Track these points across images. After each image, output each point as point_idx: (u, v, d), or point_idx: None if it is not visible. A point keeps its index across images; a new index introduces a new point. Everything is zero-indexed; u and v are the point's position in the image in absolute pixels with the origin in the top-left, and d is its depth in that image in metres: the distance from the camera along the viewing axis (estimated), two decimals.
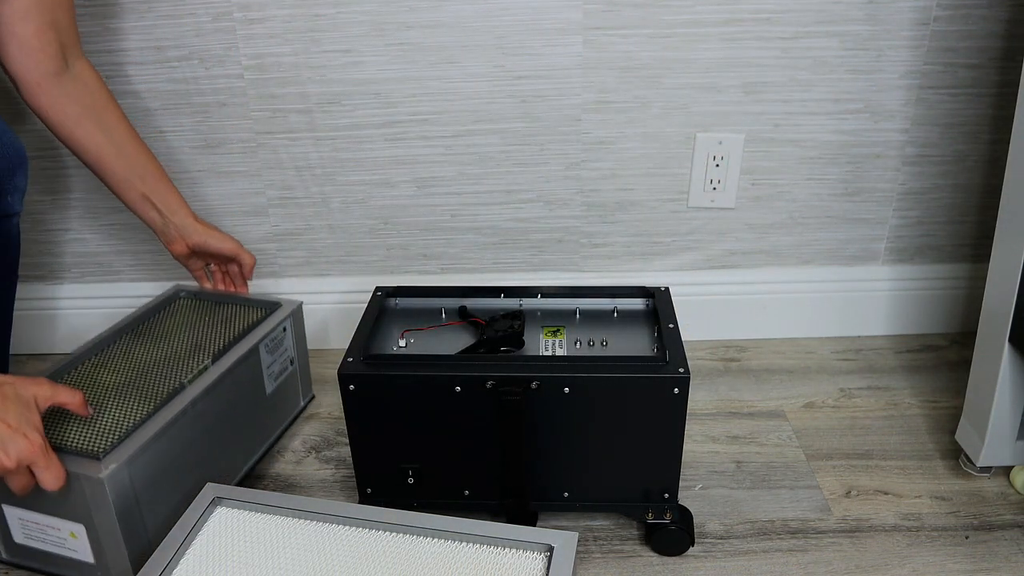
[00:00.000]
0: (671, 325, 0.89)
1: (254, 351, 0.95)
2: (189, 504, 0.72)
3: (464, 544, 0.67)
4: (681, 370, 0.81)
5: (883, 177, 1.21)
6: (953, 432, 1.03)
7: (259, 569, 0.66)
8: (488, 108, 1.15)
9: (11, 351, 1.33)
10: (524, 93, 1.14)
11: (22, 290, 1.29)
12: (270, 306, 1.03)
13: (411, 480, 0.88)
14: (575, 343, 0.90)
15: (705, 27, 1.10)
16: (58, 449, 0.75)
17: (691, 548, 0.90)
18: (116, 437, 0.77)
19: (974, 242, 1.26)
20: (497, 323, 0.90)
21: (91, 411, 0.80)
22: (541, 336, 0.92)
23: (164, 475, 0.82)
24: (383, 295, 0.98)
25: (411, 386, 0.83)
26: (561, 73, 1.13)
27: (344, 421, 0.87)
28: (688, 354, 0.85)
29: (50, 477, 0.71)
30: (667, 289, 0.96)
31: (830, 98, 1.15)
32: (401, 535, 0.68)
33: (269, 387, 0.99)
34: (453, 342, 0.91)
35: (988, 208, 1.23)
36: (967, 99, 1.15)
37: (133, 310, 1.03)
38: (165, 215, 1.00)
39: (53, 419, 0.79)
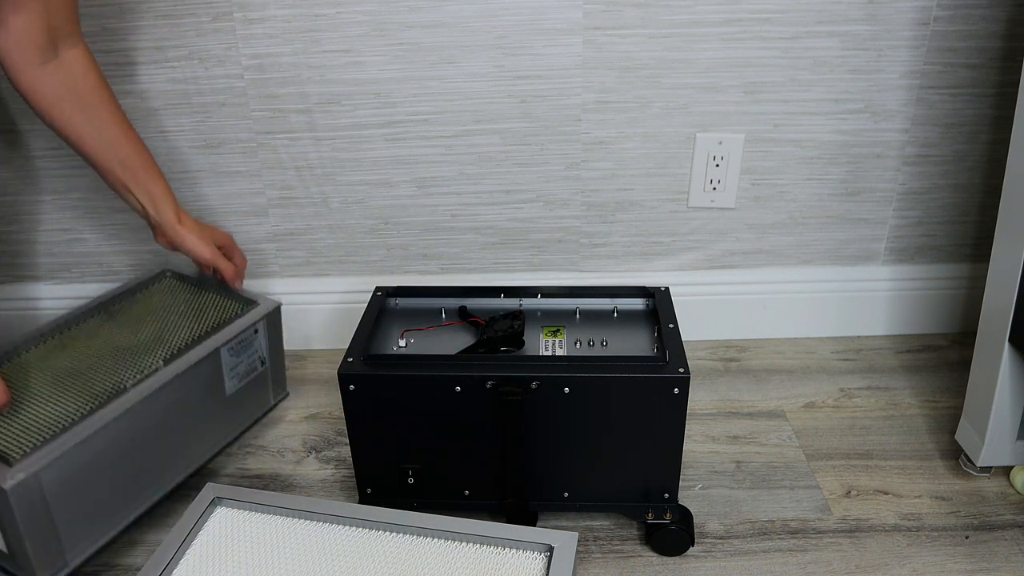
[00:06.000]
0: (671, 325, 0.89)
1: (214, 354, 0.91)
2: (116, 518, 0.68)
3: (464, 544, 0.67)
4: (681, 370, 0.81)
5: (883, 177, 1.21)
6: (953, 432, 1.03)
7: (259, 569, 0.66)
8: (488, 108, 1.15)
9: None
10: (524, 93, 1.14)
11: (22, 290, 1.29)
12: (247, 304, 1.00)
13: (411, 480, 0.88)
14: (575, 343, 0.90)
15: (705, 27, 1.10)
16: None
17: (691, 548, 0.90)
18: (38, 440, 0.72)
19: (974, 242, 1.26)
20: (497, 323, 0.90)
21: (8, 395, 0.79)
22: (541, 336, 0.92)
23: (87, 484, 0.75)
24: (383, 295, 0.98)
25: (411, 386, 0.83)
26: (561, 73, 1.13)
27: (344, 421, 0.87)
28: (688, 354, 0.85)
29: None
30: (667, 289, 0.96)
31: (830, 98, 1.15)
32: (401, 535, 0.68)
33: (231, 388, 0.94)
34: (453, 342, 0.91)
35: (988, 208, 1.23)
36: (967, 99, 1.15)
37: (118, 285, 1.00)
38: (146, 206, 0.99)
39: None
